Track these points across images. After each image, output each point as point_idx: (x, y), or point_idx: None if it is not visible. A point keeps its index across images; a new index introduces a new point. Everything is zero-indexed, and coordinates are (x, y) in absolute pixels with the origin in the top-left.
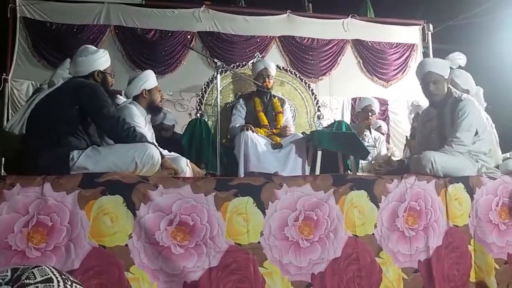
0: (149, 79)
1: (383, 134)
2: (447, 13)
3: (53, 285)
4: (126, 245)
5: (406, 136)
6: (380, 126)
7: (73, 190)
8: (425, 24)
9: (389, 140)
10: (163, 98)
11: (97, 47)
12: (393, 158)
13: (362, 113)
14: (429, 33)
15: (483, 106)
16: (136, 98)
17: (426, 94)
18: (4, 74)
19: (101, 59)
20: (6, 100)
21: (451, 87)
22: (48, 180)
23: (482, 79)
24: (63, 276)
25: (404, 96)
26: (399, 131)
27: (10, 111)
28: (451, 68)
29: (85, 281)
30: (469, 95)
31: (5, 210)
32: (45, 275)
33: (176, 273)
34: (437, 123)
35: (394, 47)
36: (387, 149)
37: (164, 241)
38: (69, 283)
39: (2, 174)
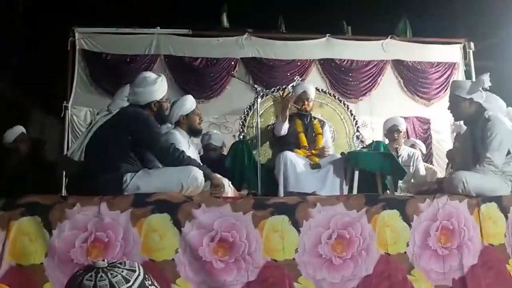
0: (184, 104)
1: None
2: (488, 30)
3: (134, 275)
4: (173, 259)
5: (447, 154)
6: (414, 144)
7: (126, 209)
8: (466, 42)
9: (432, 159)
10: (201, 120)
11: None
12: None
13: (388, 134)
14: (471, 51)
15: None
16: (177, 124)
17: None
18: (65, 102)
19: (158, 90)
20: (67, 126)
21: (483, 104)
22: (104, 200)
23: None
24: (146, 275)
25: (446, 115)
26: (442, 150)
27: (70, 136)
28: (482, 89)
29: None
30: (497, 113)
31: (67, 227)
32: (133, 266)
33: (217, 286)
34: (471, 141)
35: (435, 66)
36: (430, 169)
37: (206, 256)
38: (149, 281)
39: (64, 195)
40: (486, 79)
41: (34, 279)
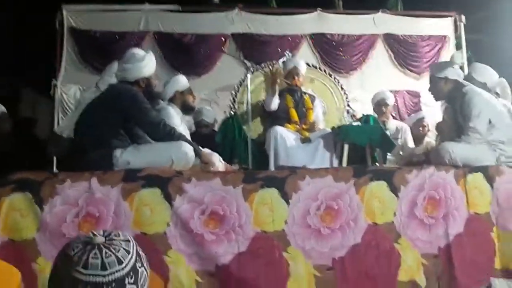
0: (180, 81)
1: (424, 126)
2: (480, 3)
3: (130, 245)
4: (164, 232)
5: (436, 126)
6: (422, 118)
7: (117, 184)
8: (457, 15)
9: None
10: (194, 99)
11: None
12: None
13: (376, 108)
14: (462, 24)
15: (508, 97)
16: (171, 100)
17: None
18: (54, 80)
19: (146, 66)
20: (56, 104)
21: (460, 80)
22: (95, 175)
23: None
24: (136, 245)
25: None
26: (432, 123)
27: (60, 114)
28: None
29: None
30: (473, 86)
31: (58, 203)
32: (126, 237)
33: (208, 257)
34: (453, 116)
35: (426, 40)
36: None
37: (197, 228)
38: (141, 252)
39: (55, 172)
40: (458, 56)
41: (27, 253)
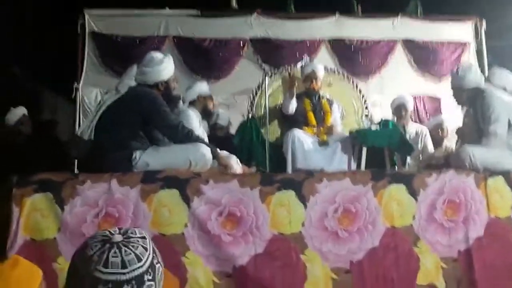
0: (203, 87)
1: (443, 129)
2: (501, 10)
3: (146, 242)
4: (182, 233)
5: (456, 131)
6: (441, 122)
7: (136, 185)
8: (478, 21)
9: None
10: (214, 105)
11: None
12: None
13: (395, 112)
14: (482, 30)
15: None
16: (192, 103)
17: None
18: (76, 83)
19: (165, 69)
20: (78, 107)
21: (480, 86)
22: (114, 177)
23: None
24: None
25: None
26: (452, 128)
27: (81, 117)
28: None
29: None
30: (491, 88)
31: (79, 204)
32: (142, 233)
33: (226, 258)
34: (473, 119)
35: (446, 45)
36: (444, 147)
37: (215, 230)
38: (155, 248)
39: (76, 173)
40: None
41: (48, 253)
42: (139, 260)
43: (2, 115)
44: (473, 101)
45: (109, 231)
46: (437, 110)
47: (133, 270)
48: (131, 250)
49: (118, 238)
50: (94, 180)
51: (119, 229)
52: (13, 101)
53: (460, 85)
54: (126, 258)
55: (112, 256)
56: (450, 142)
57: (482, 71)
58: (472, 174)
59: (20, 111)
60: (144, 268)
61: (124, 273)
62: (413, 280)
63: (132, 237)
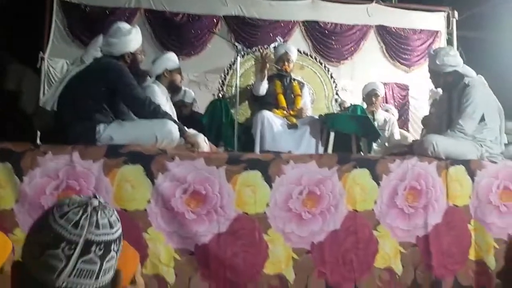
0: (170, 60)
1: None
2: (474, 0)
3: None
4: (145, 209)
5: (422, 120)
6: (388, 110)
7: (99, 159)
8: (450, 11)
9: (408, 125)
10: (182, 79)
11: None
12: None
13: (366, 98)
14: (454, 20)
15: None
16: (158, 78)
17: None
18: (41, 52)
19: (132, 41)
20: (43, 77)
21: (459, 70)
22: (77, 149)
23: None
24: None
25: (425, 82)
26: (418, 116)
27: (46, 88)
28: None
29: None
30: (475, 79)
31: (38, 175)
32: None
33: (188, 236)
34: (446, 106)
35: (418, 33)
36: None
37: (178, 207)
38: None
39: (36, 143)
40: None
41: (4, 223)
42: (118, 221)
43: None
44: (450, 86)
45: (78, 197)
46: (405, 98)
47: (117, 229)
48: (110, 212)
49: (95, 202)
50: (55, 152)
51: (82, 196)
52: None
53: (437, 68)
54: (111, 219)
55: (101, 218)
56: (414, 131)
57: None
58: (434, 162)
59: None
60: (120, 229)
61: (112, 233)
62: (371, 263)
63: (102, 201)
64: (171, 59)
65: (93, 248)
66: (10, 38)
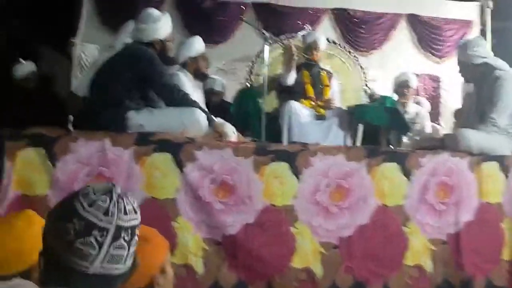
0: (192, 46)
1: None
2: None
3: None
4: (174, 198)
5: (454, 113)
6: (418, 102)
7: (129, 146)
8: (484, 0)
9: (439, 118)
10: (208, 65)
11: None
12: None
13: (398, 89)
14: (488, 9)
15: None
16: (183, 65)
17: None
18: (72, 37)
19: (162, 27)
20: (75, 62)
21: (490, 62)
22: (108, 136)
23: None
24: None
25: (457, 74)
26: (451, 110)
27: (78, 73)
28: None
29: None
30: (507, 72)
31: (71, 161)
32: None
33: (216, 226)
34: (477, 100)
35: (450, 23)
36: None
37: (206, 197)
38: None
39: (69, 129)
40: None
41: (39, 209)
42: (138, 208)
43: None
44: (481, 79)
45: (100, 184)
46: (437, 90)
47: (139, 214)
48: (132, 198)
49: (118, 189)
50: (87, 138)
51: (102, 183)
52: (11, 55)
53: (467, 59)
54: (134, 205)
55: (127, 205)
56: (445, 123)
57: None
58: (467, 157)
59: (29, 67)
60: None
61: (137, 218)
62: (400, 260)
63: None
64: (193, 45)
65: (122, 234)
66: (43, 23)
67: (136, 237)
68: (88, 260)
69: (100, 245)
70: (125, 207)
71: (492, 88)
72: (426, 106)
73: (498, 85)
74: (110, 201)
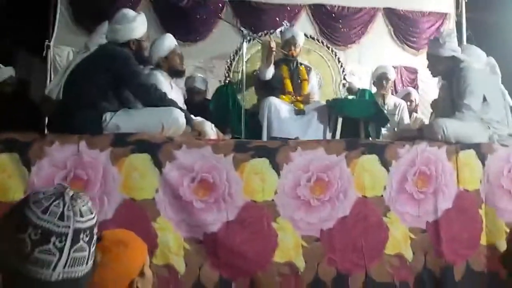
0: (162, 45)
1: (412, 101)
2: None
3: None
4: (153, 198)
5: (431, 103)
6: (409, 93)
7: (106, 148)
8: None
9: (417, 108)
10: (182, 60)
11: None
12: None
13: (377, 81)
14: (463, 1)
15: (498, 76)
16: (157, 65)
17: None
18: (47, 41)
19: (137, 27)
20: (49, 66)
21: (457, 56)
22: (83, 138)
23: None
24: None
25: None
26: (427, 100)
27: (53, 76)
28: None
29: None
30: (468, 60)
31: (46, 165)
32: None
33: (197, 224)
34: (449, 93)
35: (427, 16)
36: (414, 118)
37: (186, 196)
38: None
39: (43, 133)
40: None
41: None
42: (93, 207)
43: None
44: (449, 72)
45: (53, 188)
46: (414, 82)
47: (95, 214)
48: (84, 198)
49: (69, 191)
50: (62, 141)
51: (49, 188)
52: None
53: (437, 53)
54: (88, 205)
55: (82, 206)
56: (422, 115)
57: (460, 44)
58: (444, 146)
59: (8, 72)
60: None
61: (93, 218)
62: (381, 250)
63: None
64: (162, 44)
65: (81, 236)
66: (17, 27)
67: (95, 236)
68: (50, 268)
69: (61, 251)
70: (80, 209)
71: (459, 78)
72: (416, 97)
73: (462, 75)
74: (64, 205)
